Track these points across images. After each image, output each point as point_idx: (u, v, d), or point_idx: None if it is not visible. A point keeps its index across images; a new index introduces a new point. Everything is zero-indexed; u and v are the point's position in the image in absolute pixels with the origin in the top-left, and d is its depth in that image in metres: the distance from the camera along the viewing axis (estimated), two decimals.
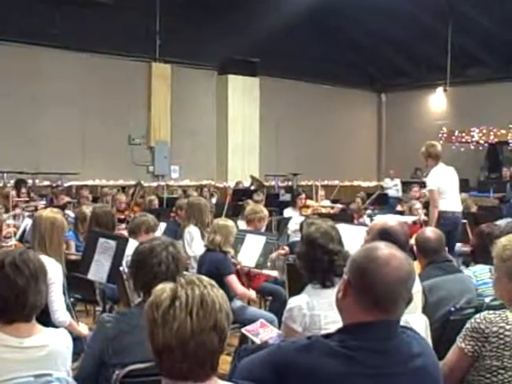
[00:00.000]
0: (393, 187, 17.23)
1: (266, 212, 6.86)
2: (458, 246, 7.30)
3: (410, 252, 3.77)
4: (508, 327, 2.58)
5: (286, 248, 6.86)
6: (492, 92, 18.06)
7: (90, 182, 14.68)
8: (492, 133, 18.04)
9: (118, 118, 15.75)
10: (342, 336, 2.04)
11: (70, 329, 3.86)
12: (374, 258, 2.05)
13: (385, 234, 3.45)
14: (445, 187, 7.44)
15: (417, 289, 3.18)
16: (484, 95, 18.20)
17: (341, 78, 19.41)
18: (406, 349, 2.05)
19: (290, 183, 17.89)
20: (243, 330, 3.37)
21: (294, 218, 9.04)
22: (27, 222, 6.72)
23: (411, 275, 2.09)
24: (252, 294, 5.46)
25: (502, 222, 5.16)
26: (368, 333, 2.02)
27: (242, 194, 12.92)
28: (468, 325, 2.65)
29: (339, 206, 10.99)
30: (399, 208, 10.66)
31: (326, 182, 15.26)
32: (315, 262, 3.22)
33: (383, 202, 12.73)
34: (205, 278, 1.82)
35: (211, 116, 17.60)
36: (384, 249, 2.08)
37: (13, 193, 10.07)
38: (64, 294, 4.22)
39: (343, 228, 4.11)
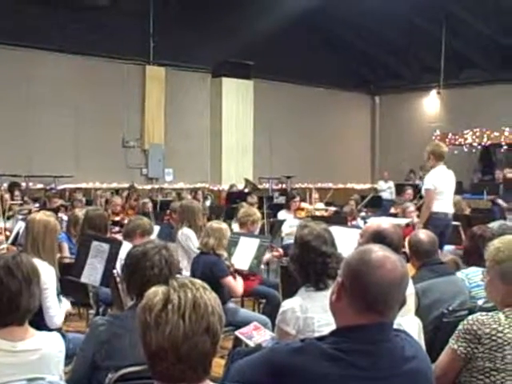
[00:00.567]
0: (387, 189, 17.21)
1: (258, 215, 6.86)
2: (452, 248, 7.31)
3: (403, 254, 3.78)
4: (500, 329, 2.59)
5: (280, 250, 6.87)
6: (485, 94, 18.11)
7: (83, 185, 14.66)
8: (485, 135, 18.11)
9: (112, 120, 15.73)
10: (336, 338, 2.03)
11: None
12: (368, 260, 2.05)
13: (378, 237, 3.46)
14: (442, 188, 7.42)
15: (410, 291, 3.17)
16: (477, 98, 18.25)
17: (335, 80, 19.44)
18: (399, 351, 2.05)
19: (283, 186, 17.89)
20: (237, 333, 3.36)
21: (288, 221, 9.07)
22: (21, 225, 6.69)
23: (405, 278, 2.09)
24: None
25: (494, 225, 5.15)
26: (361, 335, 2.01)
27: (236, 197, 12.93)
28: (461, 326, 2.66)
29: (333, 208, 10.98)
30: (393, 210, 10.66)
31: (319, 185, 15.28)
32: (308, 264, 3.21)
33: (377, 205, 12.71)
34: (197, 281, 1.81)
35: (205, 119, 17.58)
36: (378, 251, 2.08)
37: (6, 196, 10.04)
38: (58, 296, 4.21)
39: (337, 230, 4.09)
